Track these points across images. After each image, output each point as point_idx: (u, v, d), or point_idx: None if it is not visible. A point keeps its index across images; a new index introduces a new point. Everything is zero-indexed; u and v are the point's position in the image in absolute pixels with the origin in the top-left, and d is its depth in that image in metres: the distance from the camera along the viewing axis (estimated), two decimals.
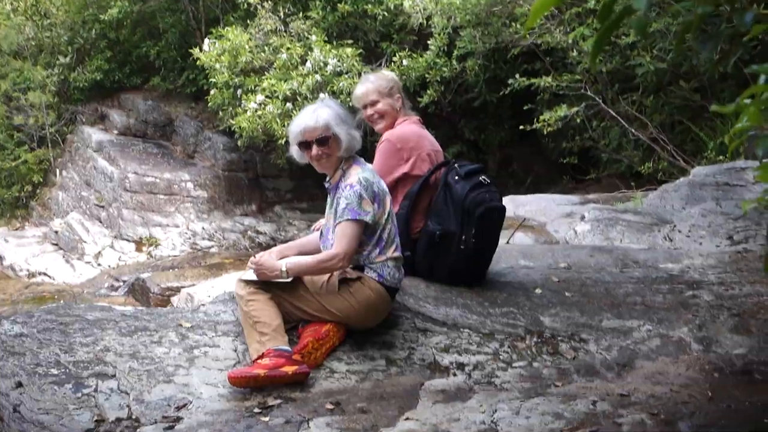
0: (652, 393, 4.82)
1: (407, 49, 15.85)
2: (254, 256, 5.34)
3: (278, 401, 4.66)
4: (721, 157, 11.41)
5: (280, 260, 5.25)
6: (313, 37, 15.78)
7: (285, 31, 16.38)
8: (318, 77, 15.19)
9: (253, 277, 5.20)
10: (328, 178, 5.43)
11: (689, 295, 6.29)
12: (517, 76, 14.17)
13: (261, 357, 4.86)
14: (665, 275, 6.76)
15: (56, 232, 17.60)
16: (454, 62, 15.33)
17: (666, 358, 5.34)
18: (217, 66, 16.10)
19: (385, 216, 5.31)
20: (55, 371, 4.78)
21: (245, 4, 16.79)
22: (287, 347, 4.95)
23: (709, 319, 5.85)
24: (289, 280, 5.18)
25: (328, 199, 5.46)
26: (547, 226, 9.45)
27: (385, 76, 6.64)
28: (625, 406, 4.62)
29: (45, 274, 16.03)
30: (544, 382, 5.02)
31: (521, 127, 14.24)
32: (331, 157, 5.32)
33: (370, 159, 5.80)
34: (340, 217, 5.16)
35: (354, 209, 5.13)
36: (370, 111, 6.40)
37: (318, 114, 5.28)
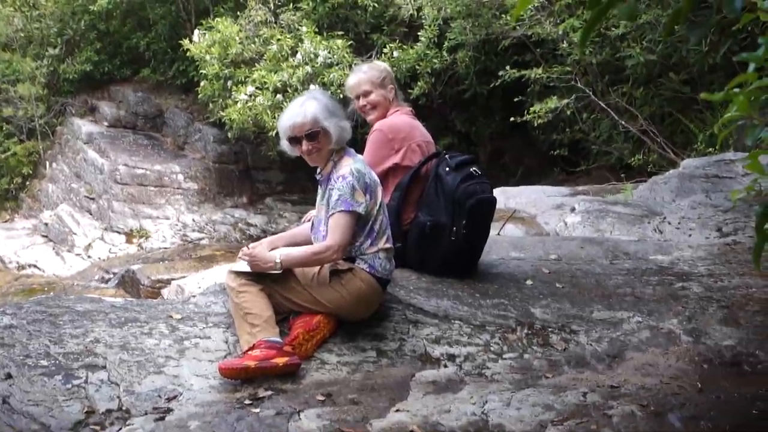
0: (642, 384, 4.84)
1: (398, 41, 15.85)
2: (246, 248, 5.33)
3: (269, 393, 4.66)
4: (710, 150, 11.45)
5: (273, 251, 5.24)
6: (304, 29, 15.77)
7: (275, 23, 16.38)
8: (308, 69, 15.19)
9: (244, 269, 5.19)
10: (319, 170, 5.41)
11: (679, 287, 6.31)
12: (508, 67, 14.18)
13: (252, 348, 4.85)
14: (655, 267, 6.78)
15: (46, 224, 17.58)
16: (445, 54, 15.33)
17: (656, 350, 5.36)
18: (207, 57, 16.10)
19: (377, 207, 5.30)
20: (44, 363, 4.76)
21: None
22: (278, 339, 4.94)
23: (698, 311, 5.87)
24: (280, 271, 5.17)
25: (319, 191, 5.45)
26: (537, 218, 9.46)
27: (378, 66, 6.62)
28: (616, 397, 4.64)
29: (35, 266, 16.01)
30: (534, 373, 5.03)
31: (512, 118, 14.26)
32: (322, 151, 5.30)
33: (360, 150, 5.79)
34: (333, 208, 5.15)
35: (347, 200, 5.12)
36: (362, 102, 6.39)
37: (306, 108, 5.25)
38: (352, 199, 5.12)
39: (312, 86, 14.66)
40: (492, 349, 5.30)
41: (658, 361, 5.20)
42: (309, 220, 5.81)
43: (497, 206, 6.33)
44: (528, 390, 4.73)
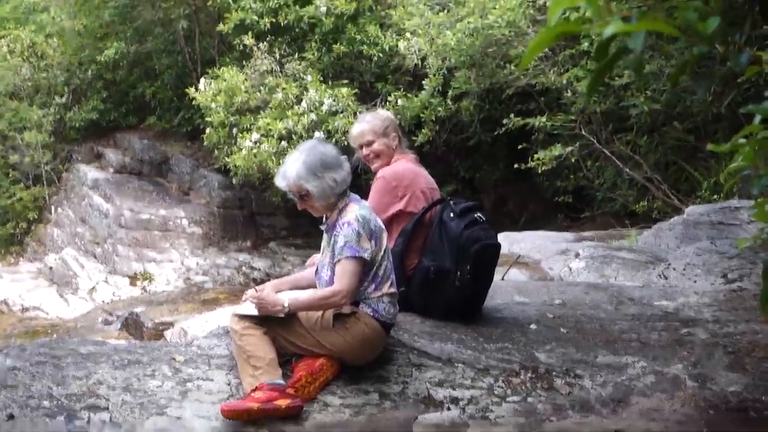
0: (647, 429, 4.83)
1: (402, 89, 15.92)
2: (254, 290, 5.33)
3: None
4: (715, 197, 11.46)
5: (281, 294, 5.24)
6: (309, 78, 15.89)
7: (281, 72, 16.46)
8: (313, 116, 15.27)
9: (248, 312, 5.18)
10: (325, 219, 5.43)
11: (684, 333, 6.29)
12: (512, 116, 14.23)
13: (254, 390, 4.84)
14: (660, 312, 6.76)
15: (51, 267, 17.58)
16: (449, 102, 15.37)
17: (661, 395, 5.32)
18: (213, 105, 16.19)
19: (381, 253, 5.30)
20: (47, 404, 4.75)
21: (241, 45, 16.89)
22: (281, 381, 4.92)
23: (704, 357, 5.84)
24: (283, 315, 5.17)
25: (324, 236, 5.45)
26: (541, 263, 9.45)
27: (380, 115, 6.64)
28: None
29: (39, 308, 15.99)
30: (538, 417, 5.01)
31: (516, 166, 14.30)
32: (315, 208, 5.34)
33: (365, 197, 5.79)
34: (339, 254, 5.14)
35: (353, 246, 5.12)
36: (365, 151, 6.40)
37: (288, 172, 5.26)
38: (357, 245, 5.13)
39: (317, 133, 14.75)
40: (496, 392, 5.27)
41: (664, 406, 5.17)
42: (313, 265, 5.81)
43: (501, 251, 6.32)
44: None
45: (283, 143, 15.12)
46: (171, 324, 11.25)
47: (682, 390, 5.39)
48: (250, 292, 5.35)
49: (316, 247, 5.75)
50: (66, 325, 14.46)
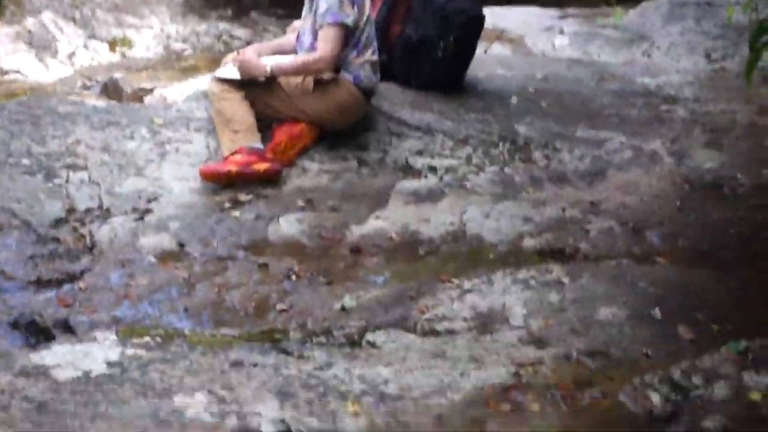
0: (622, 202, 4.88)
1: None
2: (236, 53, 5.27)
3: (249, 197, 4.69)
4: None
5: (264, 59, 5.17)
6: None
7: None
8: None
9: (228, 75, 5.12)
10: None
11: (664, 110, 6.29)
12: None
13: (233, 154, 4.85)
14: (642, 90, 6.74)
15: (29, 30, 17.29)
16: None
17: (638, 170, 5.37)
18: None
19: (364, 19, 5.21)
20: (26, 162, 4.77)
21: None
22: (260, 145, 4.93)
23: (682, 134, 5.87)
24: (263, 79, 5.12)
25: (306, 2, 5.34)
26: (525, 39, 9.28)
27: None
28: (595, 213, 4.70)
29: (17, 72, 15.82)
30: (515, 187, 5.06)
31: None
32: None
33: None
34: (321, 20, 5.05)
35: (335, 12, 5.02)
36: None
37: None
38: (340, 10, 5.03)
39: None
40: (474, 162, 5.30)
41: (640, 180, 5.22)
42: (294, 31, 5.71)
43: (485, 26, 6.21)
44: (508, 203, 4.78)
45: None
46: (150, 90, 11.15)
47: (659, 165, 5.43)
48: (232, 55, 5.30)
49: (298, 17, 5.63)
50: (45, 89, 14.36)
